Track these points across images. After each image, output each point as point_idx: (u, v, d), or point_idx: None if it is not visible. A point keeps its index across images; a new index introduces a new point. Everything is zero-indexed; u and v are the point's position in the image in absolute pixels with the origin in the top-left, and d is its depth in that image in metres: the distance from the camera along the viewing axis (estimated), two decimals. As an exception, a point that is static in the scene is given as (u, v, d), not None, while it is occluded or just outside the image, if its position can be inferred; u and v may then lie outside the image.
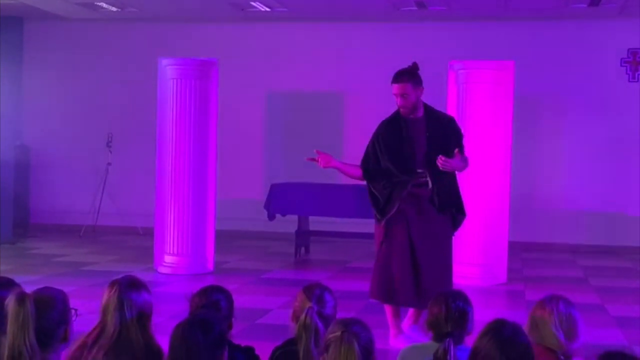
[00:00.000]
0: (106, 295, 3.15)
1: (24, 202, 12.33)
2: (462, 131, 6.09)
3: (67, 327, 2.84)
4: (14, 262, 9.44)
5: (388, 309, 5.94)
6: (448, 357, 2.99)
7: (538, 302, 3.30)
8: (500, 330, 2.76)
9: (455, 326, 3.25)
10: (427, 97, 12.18)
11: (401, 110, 5.87)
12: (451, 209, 5.84)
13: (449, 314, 3.27)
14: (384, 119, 6.01)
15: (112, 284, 3.19)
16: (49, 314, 2.78)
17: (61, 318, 2.81)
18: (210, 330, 2.79)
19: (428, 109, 5.94)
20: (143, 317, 3.15)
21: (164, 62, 9.19)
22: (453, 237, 6.05)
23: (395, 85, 5.79)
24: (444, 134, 5.82)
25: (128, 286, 3.16)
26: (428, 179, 5.75)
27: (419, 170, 5.76)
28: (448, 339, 3.02)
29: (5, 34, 12.73)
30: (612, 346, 2.64)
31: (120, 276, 3.32)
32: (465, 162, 5.81)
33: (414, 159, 5.80)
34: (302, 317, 3.08)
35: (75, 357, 3.03)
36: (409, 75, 5.78)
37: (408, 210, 5.78)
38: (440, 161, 5.55)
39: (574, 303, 3.30)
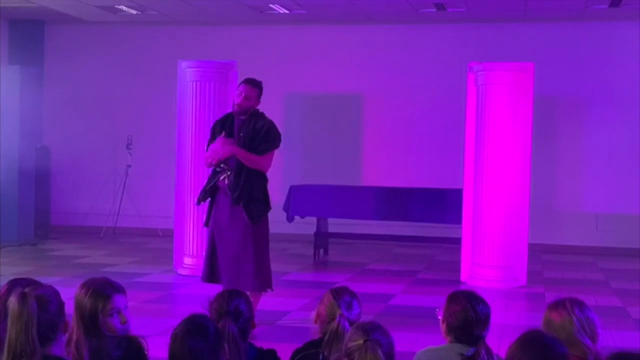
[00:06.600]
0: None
1: (45, 204, 12.41)
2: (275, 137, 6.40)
3: (64, 319, 2.89)
4: (35, 264, 9.51)
5: None
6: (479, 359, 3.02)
7: (550, 307, 3.24)
8: (539, 342, 2.72)
9: (483, 329, 3.23)
10: (447, 98, 12.14)
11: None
12: (243, 200, 6.23)
13: (477, 317, 3.23)
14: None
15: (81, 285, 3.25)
16: (50, 308, 2.82)
17: (59, 312, 2.87)
18: (208, 334, 2.89)
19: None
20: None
21: (184, 64, 9.23)
22: (259, 230, 6.32)
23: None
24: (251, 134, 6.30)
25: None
26: (228, 172, 6.29)
27: (222, 165, 6.32)
28: (482, 342, 3.11)
29: (26, 37, 12.85)
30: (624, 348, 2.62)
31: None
32: (247, 157, 6.20)
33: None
34: (334, 324, 3.07)
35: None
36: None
37: (216, 202, 6.42)
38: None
39: (588, 304, 3.27)
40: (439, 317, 3.31)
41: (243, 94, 6.30)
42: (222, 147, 6.25)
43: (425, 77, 12.07)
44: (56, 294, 2.91)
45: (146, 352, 3.19)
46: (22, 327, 2.71)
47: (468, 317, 3.21)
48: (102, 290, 3.20)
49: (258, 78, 6.54)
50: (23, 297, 2.75)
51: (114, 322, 3.17)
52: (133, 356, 3.13)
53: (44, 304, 2.79)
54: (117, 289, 3.26)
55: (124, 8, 11.41)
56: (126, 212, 12.42)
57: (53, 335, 2.82)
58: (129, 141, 12.42)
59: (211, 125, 7.65)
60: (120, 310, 3.20)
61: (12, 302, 2.75)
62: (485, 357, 3.07)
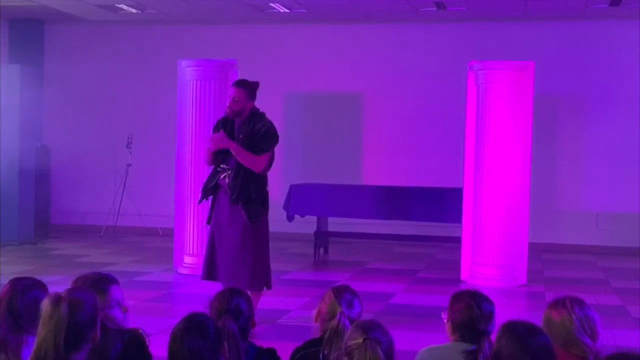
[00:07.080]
0: None
1: (45, 203, 12.42)
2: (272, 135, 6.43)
3: (95, 330, 2.85)
4: (36, 263, 9.51)
5: None
6: (481, 354, 3.04)
7: (550, 306, 3.25)
8: (517, 330, 2.80)
9: (487, 325, 3.23)
10: (447, 97, 12.15)
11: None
12: (242, 199, 6.29)
13: (481, 313, 3.23)
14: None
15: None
16: (80, 317, 2.77)
17: (91, 321, 2.82)
18: (208, 332, 2.88)
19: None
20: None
21: (184, 63, 9.23)
22: (258, 229, 6.39)
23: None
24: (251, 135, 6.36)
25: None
26: (228, 172, 6.36)
27: (222, 165, 6.40)
28: (486, 337, 3.13)
29: (26, 36, 12.84)
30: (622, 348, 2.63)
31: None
32: (242, 153, 6.25)
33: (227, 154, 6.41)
34: (335, 322, 3.06)
35: None
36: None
37: (217, 200, 6.49)
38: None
39: (588, 303, 3.27)
40: (444, 320, 3.30)
41: (231, 97, 6.35)
42: (220, 140, 6.31)
43: (425, 76, 12.06)
44: (92, 302, 2.84)
45: (147, 344, 3.19)
46: (50, 331, 2.66)
47: (472, 314, 3.21)
48: (99, 284, 3.20)
49: (257, 77, 6.55)
50: (56, 301, 2.70)
51: (115, 313, 3.16)
52: (135, 349, 3.12)
53: (75, 311, 2.74)
54: (112, 280, 3.26)
55: (124, 7, 11.40)
56: (126, 211, 12.41)
57: (79, 345, 2.76)
58: (129, 140, 12.42)
59: (212, 124, 7.67)
60: (119, 301, 3.20)
61: (46, 304, 2.72)
62: (488, 352, 3.06)
